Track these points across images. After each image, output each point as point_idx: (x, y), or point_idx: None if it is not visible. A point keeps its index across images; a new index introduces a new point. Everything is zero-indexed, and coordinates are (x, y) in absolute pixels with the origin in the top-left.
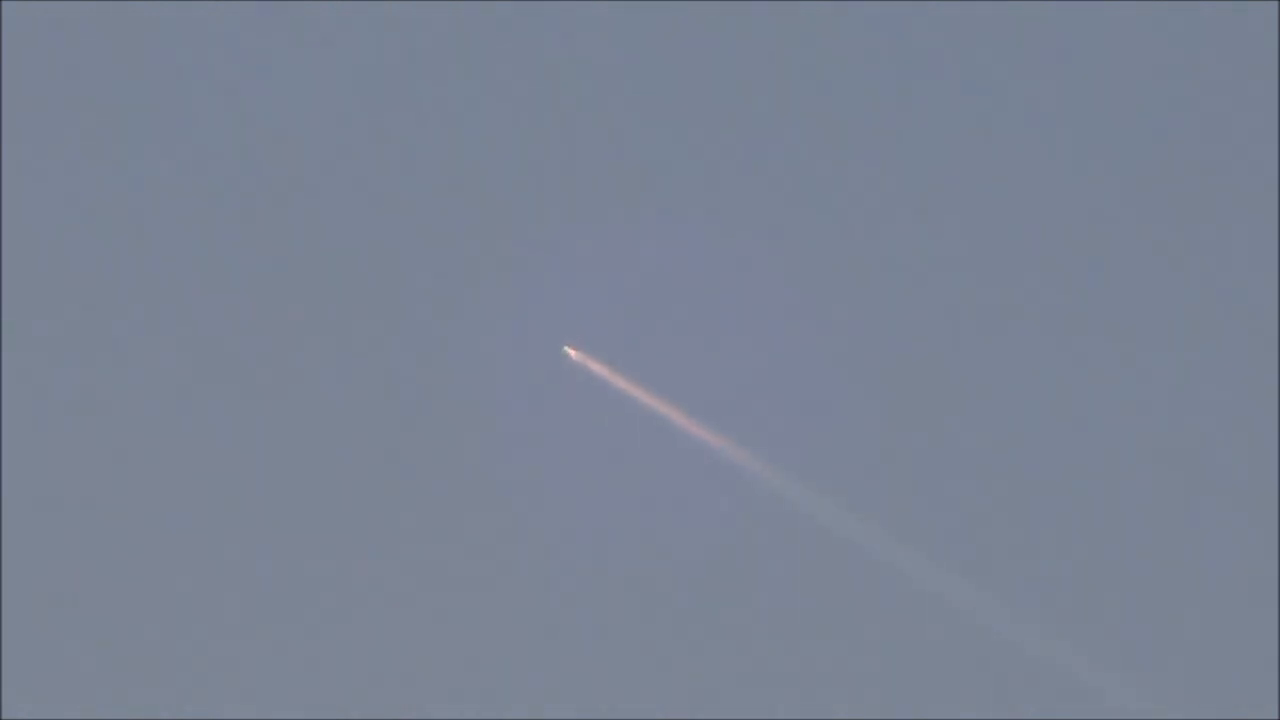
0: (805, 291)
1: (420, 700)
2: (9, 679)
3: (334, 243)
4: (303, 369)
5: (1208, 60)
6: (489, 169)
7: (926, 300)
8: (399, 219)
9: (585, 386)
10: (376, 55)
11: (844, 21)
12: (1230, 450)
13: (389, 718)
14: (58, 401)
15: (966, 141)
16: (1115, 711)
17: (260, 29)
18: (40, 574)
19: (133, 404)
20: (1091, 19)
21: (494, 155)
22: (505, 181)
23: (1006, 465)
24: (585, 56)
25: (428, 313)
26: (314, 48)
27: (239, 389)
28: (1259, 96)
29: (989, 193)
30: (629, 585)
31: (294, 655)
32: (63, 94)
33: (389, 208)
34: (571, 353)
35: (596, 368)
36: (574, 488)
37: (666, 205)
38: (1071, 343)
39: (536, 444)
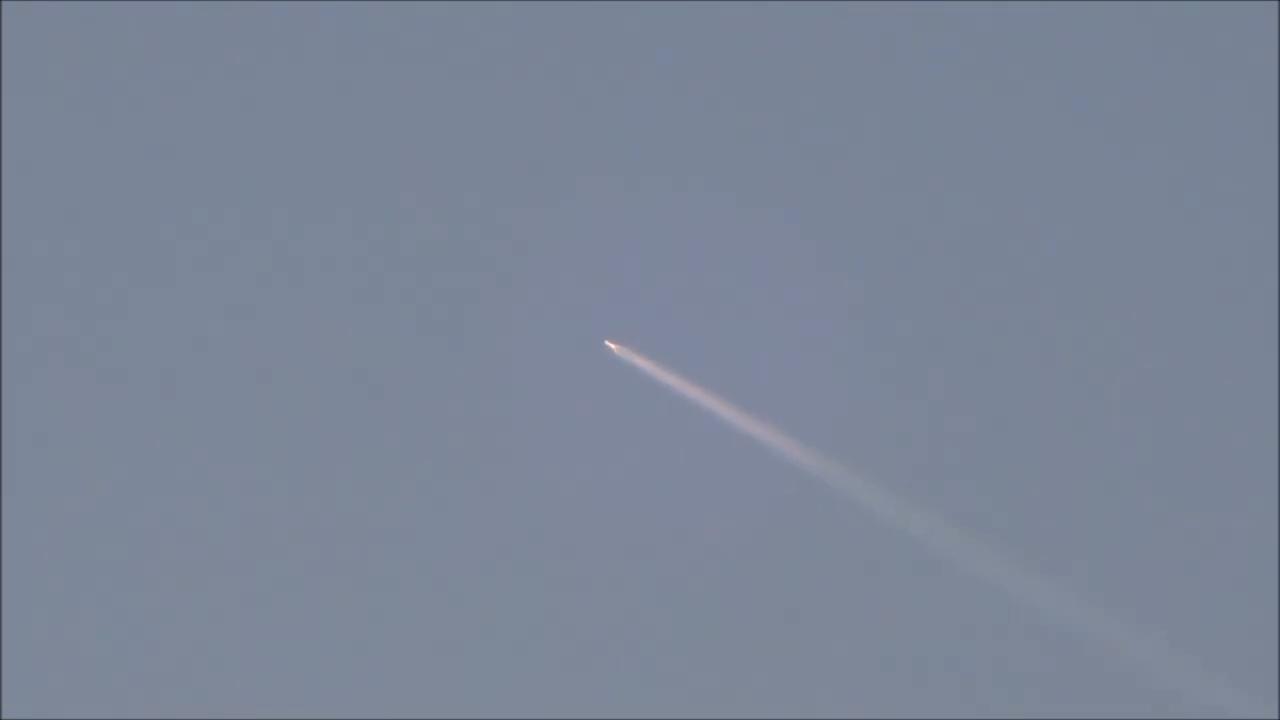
0: (840, 279)
1: (437, 694)
2: (9, 679)
3: (352, 236)
4: (316, 364)
5: (1208, 60)
6: (515, 157)
7: (962, 287)
8: (423, 210)
9: (629, 381)
10: (390, 37)
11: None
12: (1231, 448)
13: (395, 717)
14: (58, 404)
15: (981, 131)
16: (1116, 711)
17: (258, 21)
18: (40, 574)
19: (133, 402)
20: (1092, 19)
21: (520, 143)
22: (529, 167)
23: (1039, 446)
24: (611, 41)
25: (458, 308)
26: (319, 36)
27: (257, 380)
28: (1259, 96)
29: (1005, 174)
30: (668, 580)
31: (294, 655)
32: (63, 94)
33: (408, 198)
34: (614, 347)
35: (641, 362)
36: (611, 478)
37: (698, 193)
38: (1087, 329)
39: (573, 437)
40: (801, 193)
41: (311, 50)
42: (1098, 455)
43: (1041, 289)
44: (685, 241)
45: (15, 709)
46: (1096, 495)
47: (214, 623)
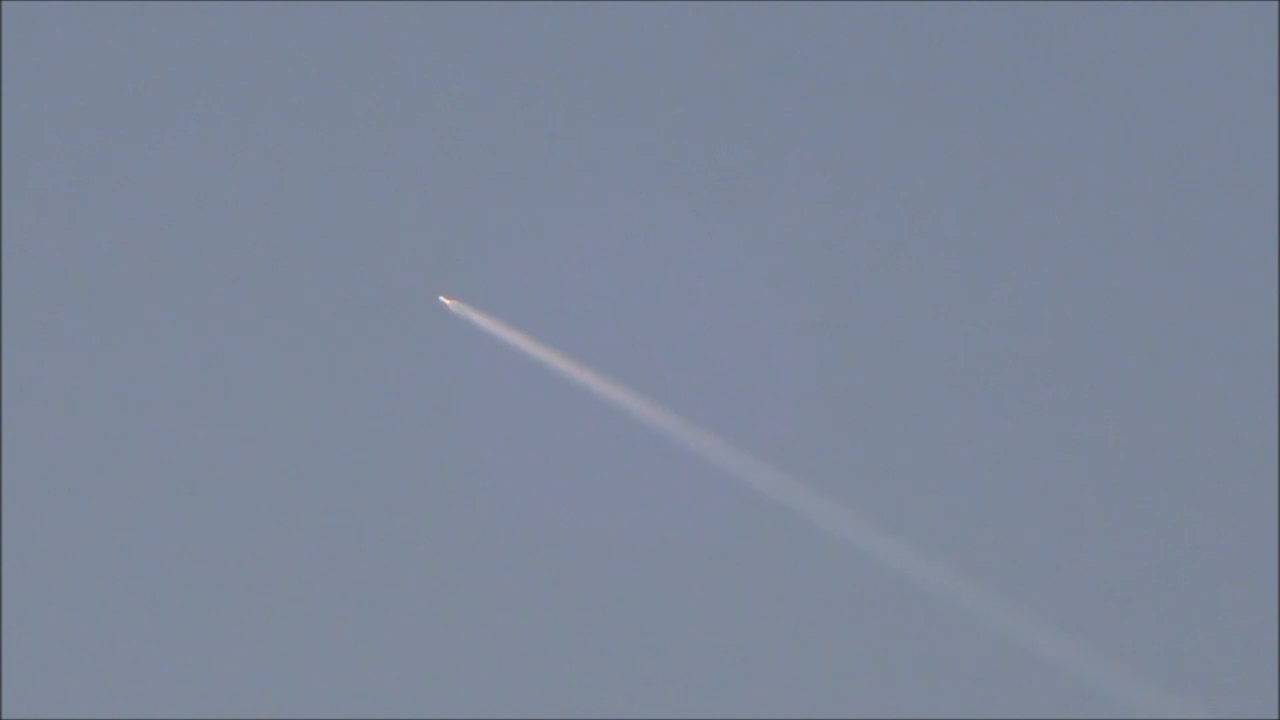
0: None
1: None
2: (9, 679)
3: (318, 241)
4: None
5: (1208, 60)
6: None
7: (900, 292)
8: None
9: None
10: (371, 49)
11: (836, 14)
12: (1230, 451)
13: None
14: (58, 402)
15: (953, 135)
16: (1116, 711)
17: (251, 20)
18: (40, 574)
19: (131, 401)
20: (1092, 19)
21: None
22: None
23: (959, 450)
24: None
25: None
26: (304, 38)
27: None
28: (1259, 96)
29: (970, 184)
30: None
31: (290, 656)
32: (64, 94)
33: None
34: (448, 303)
35: (478, 318)
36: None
37: (638, 197)
38: (1063, 345)
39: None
40: (742, 202)
41: (303, 44)
42: (1064, 473)
43: (1002, 295)
44: (633, 250)
45: (15, 709)
46: (1069, 510)
47: (212, 625)
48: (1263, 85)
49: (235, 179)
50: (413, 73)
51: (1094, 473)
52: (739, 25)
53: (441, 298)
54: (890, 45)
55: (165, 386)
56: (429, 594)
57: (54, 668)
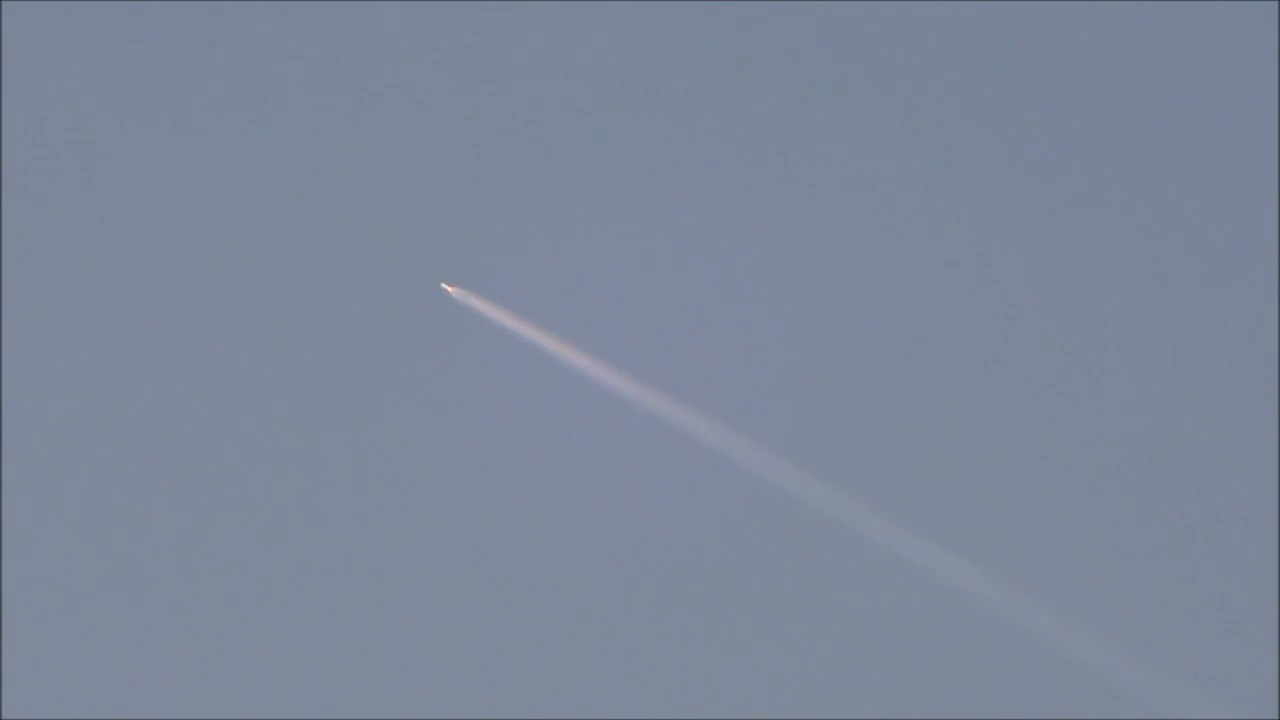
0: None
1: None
2: (9, 679)
3: (323, 238)
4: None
5: (1208, 60)
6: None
7: (914, 292)
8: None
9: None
10: (369, 50)
11: (836, 14)
12: (1230, 450)
13: (365, 718)
14: (58, 401)
15: (957, 136)
16: (1116, 710)
17: (256, 19)
18: (40, 574)
19: (130, 399)
20: (1091, 19)
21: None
22: (487, 173)
23: (965, 445)
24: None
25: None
26: (308, 38)
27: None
28: (1259, 96)
29: (978, 185)
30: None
31: (291, 655)
32: (64, 94)
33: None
34: (450, 290)
35: (480, 304)
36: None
37: (649, 194)
38: (1065, 337)
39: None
40: (751, 198)
41: (307, 44)
42: (1069, 468)
43: (1007, 290)
44: (642, 245)
45: (15, 709)
46: (1071, 506)
47: (211, 625)
48: (1263, 85)
49: (239, 169)
50: (418, 64)
51: (1096, 468)
52: (743, 24)
53: (444, 285)
54: (892, 45)
55: (164, 373)
56: (425, 583)
57: (54, 668)
